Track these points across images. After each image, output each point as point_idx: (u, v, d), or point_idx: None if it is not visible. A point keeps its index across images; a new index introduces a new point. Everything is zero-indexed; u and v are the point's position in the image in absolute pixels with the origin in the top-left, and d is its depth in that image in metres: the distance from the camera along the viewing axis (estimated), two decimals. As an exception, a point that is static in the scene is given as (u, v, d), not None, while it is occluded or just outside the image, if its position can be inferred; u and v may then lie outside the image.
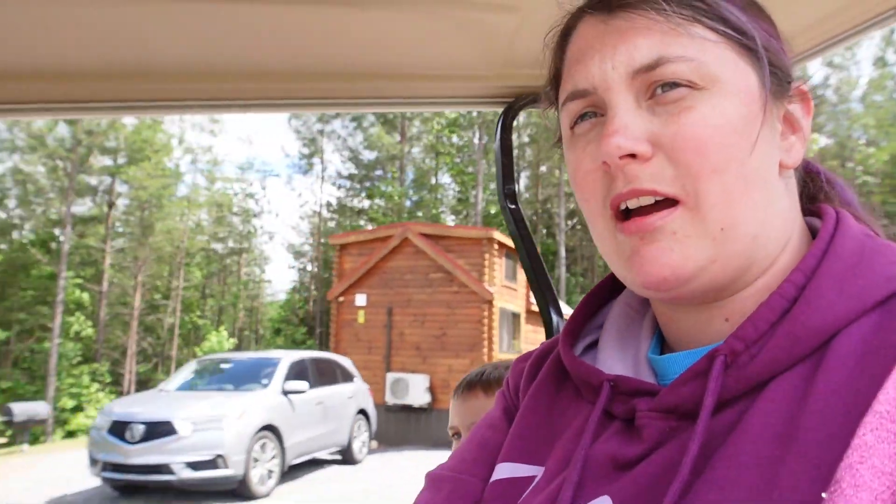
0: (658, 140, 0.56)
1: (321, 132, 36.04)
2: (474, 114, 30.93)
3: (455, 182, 35.90)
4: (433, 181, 36.26)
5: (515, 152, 1.61)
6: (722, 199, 0.55)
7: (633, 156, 0.56)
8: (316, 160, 36.92)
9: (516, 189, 1.51)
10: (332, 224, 37.12)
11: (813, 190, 0.70)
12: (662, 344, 0.67)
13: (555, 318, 1.46)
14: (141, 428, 9.08)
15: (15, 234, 28.59)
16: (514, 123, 1.49)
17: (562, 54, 0.65)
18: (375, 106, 1.45)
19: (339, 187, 37.12)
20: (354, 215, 36.41)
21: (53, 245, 27.42)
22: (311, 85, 1.32)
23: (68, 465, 12.16)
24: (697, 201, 0.55)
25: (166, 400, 10.06)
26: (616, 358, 0.66)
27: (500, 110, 1.45)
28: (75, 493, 10.21)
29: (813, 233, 0.64)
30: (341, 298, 17.04)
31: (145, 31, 1.07)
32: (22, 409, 14.51)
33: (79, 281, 26.98)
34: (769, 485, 0.46)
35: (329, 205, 37.67)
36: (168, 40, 1.11)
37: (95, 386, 25.35)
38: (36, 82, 1.20)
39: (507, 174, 1.48)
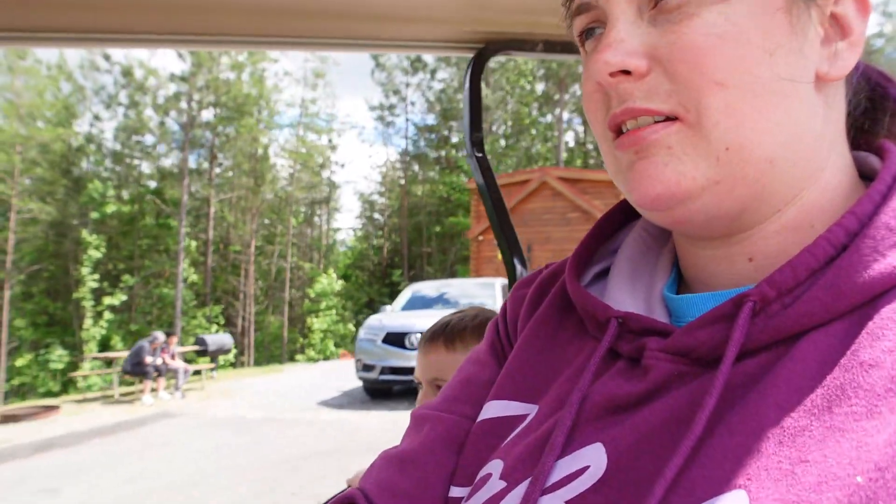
0: (656, 53, 0.49)
1: (406, 84, 37.00)
2: (554, 65, 31.55)
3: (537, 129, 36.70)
4: (511, 129, 37.08)
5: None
6: (727, 115, 0.48)
7: (627, 72, 0.50)
8: (399, 111, 37.97)
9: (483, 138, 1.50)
10: (410, 174, 38.29)
11: (877, 113, 0.58)
12: (680, 283, 0.61)
13: (518, 266, 1.44)
14: (418, 335, 10.52)
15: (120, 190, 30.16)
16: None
17: None
18: (340, 47, 1.39)
19: (419, 138, 38.17)
20: (433, 165, 37.50)
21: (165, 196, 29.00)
22: (272, 22, 1.27)
23: (294, 380, 13.87)
24: (699, 118, 0.48)
25: (415, 315, 11.47)
26: (627, 292, 0.60)
27: (470, 56, 1.42)
28: (334, 397, 11.94)
29: (865, 173, 0.56)
30: (481, 237, 18.42)
31: None
32: (213, 340, 16.24)
33: (187, 230, 28.61)
34: (793, 459, 0.40)
35: (406, 154, 38.79)
36: None
37: (214, 327, 27.23)
38: (39, 10, 1.18)
39: (475, 122, 1.45)
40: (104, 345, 23.58)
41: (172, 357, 12.96)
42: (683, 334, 0.50)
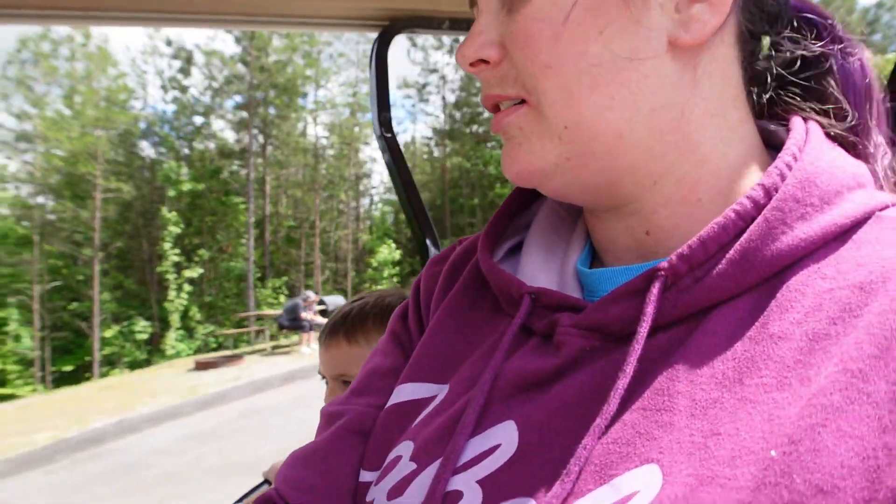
0: (504, 42, 0.52)
1: (447, 64, 38.28)
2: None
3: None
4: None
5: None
6: (560, 95, 0.49)
7: (486, 62, 0.53)
8: (431, 90, 39.27)
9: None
10: (450, 149, 39.70)
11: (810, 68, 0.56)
12: (594, 257, 0.60)
13: (430, 247, 1.42)
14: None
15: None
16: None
17: None
18: (236, 24, 1.35)
19: (454, 115, 39.49)
20: (469, 138, 38.83)
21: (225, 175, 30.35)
22: None
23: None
24: (538, 100, 0.51)
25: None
26: (540, 267, 0.59)
27: (374, 35, 1.39)
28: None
29: (774, 144, 0.55)
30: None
31: None
32: (331, 301, 17.84)
33: (247, 205, 29.99)
34: (705, 432, 0.40)
35: (436, 131, 40.16)
36: None
37: (282, 297, 28.74)
38: None
39: (382, 102, 1.43)
40: (185, 315, 25.11)
41: (314, 314, 14.57)
42: (595, 309, 0.50)
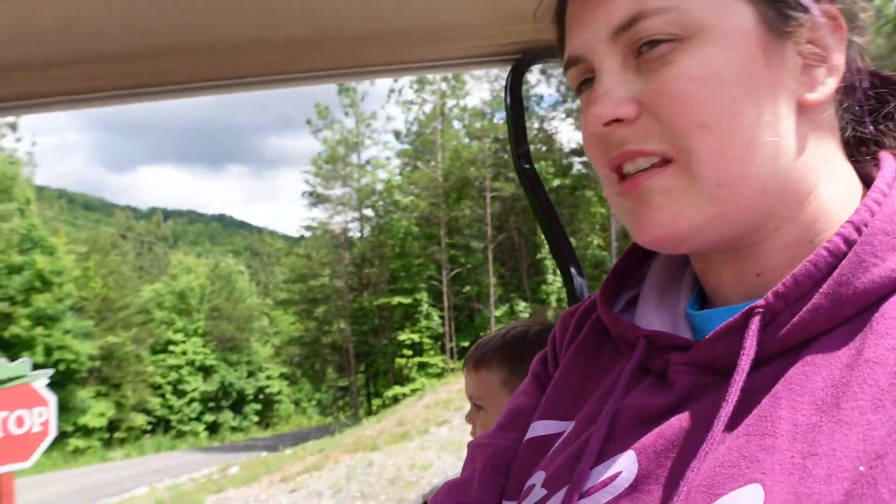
0: (643, 99, 0.53)
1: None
2: None
3: None
4: None
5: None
6: (715, 154, 0.51)
7: (619, 120, 0.54)
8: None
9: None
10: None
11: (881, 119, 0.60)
12: (704, 300, 0.63)
13: (576, 279, 1.43)
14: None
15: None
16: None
17: (561, 20, 0.63)
18: (374, 74, 1.39)
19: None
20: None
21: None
22: (305, 55, 1.23)
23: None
24: (689, 159, 0.52)
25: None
26: (654, 313, 0.63)
27: (507, 68, 1.38)
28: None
29: (866, 181, 0.57)
30: None
31: (129, 11, 0.95)
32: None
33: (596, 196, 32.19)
34: (804, 453, 0.43)
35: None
36: (152, 18, 0.99)
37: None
38: (27, 74, 1.11)
39: (519, 134, 1.43)
40: (559, 297, 28.21)
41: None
42: (702, 347, 0.54)
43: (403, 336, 30.85)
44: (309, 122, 32.96)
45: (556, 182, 29.68)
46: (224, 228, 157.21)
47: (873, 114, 0.60)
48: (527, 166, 1.40)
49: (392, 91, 33.84)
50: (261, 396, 39.96)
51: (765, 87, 0.52)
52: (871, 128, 0.59)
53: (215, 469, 16.59)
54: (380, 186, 33.37)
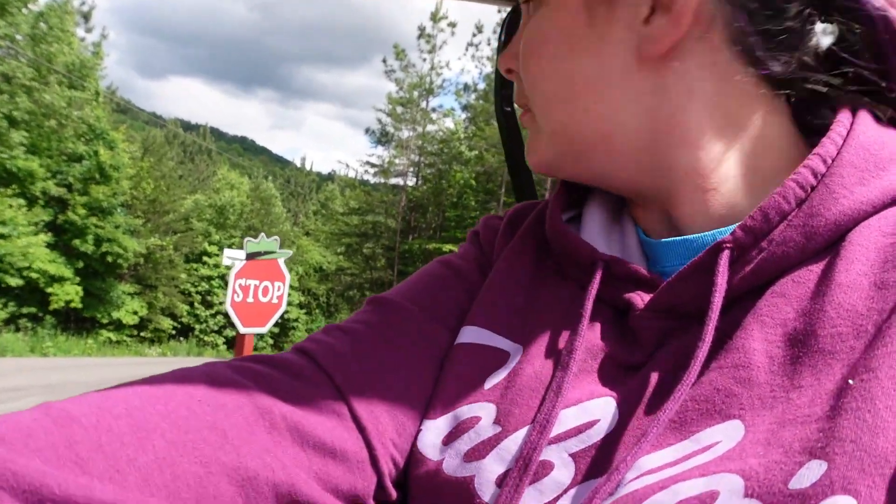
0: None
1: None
2: None
3: None
4: None
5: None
6: (544, 105, 0.57)
7: (512, 71, 0.62)
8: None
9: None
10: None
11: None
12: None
13: None
14: None
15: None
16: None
17: None
18: None
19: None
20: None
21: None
22: None
23: None
24: (533, 109, 0.59)
25: None
26: (602, 235, 0.59)
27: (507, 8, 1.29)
28: None
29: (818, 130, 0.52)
30: None
31: None
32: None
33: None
34: (785, 387, 0.41)
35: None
36: None
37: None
38: None
39: (502, 79, 1.40)
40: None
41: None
42: (666, 291, 0.50)
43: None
44: (384, 60, 32.55)
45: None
46: (245, 151, 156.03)
47: (791, 51, 0.51)
48: (507, 109, 1.30)
49: (469, 45, 33.21)
50: (279, 321, 40.17)
51: (587, 43, 0.53)
52: (778, 68, 0.51)
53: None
54: (443, 136, 33.08)
